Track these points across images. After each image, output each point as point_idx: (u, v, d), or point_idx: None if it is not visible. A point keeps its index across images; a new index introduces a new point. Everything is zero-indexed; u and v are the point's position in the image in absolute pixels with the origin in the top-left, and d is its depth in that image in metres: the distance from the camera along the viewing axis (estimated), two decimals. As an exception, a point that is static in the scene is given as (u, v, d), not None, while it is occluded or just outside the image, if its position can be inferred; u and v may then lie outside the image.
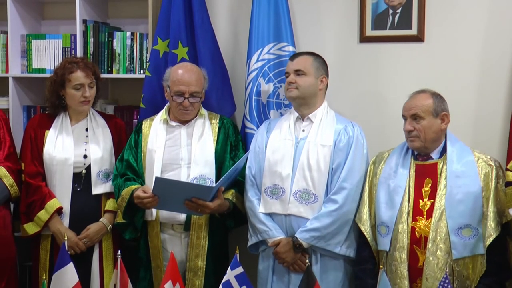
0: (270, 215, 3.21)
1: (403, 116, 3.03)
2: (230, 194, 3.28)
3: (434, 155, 3.00)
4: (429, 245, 2.85)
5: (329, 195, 3.13)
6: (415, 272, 2.88)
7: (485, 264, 2.84)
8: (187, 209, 3.17)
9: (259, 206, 3.22)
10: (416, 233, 2.90)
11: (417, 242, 2.89)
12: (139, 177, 3.34)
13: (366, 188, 3.12)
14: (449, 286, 2.42)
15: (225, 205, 3.24)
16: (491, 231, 2.83)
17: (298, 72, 3.21)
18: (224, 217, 3.33)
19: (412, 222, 2.92)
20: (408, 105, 3.01)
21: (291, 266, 3.16)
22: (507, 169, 2.95)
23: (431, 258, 2.84)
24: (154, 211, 3.28)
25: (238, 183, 3.32)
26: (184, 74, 3.30)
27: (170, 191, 3.11)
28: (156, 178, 3.09)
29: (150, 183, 3.28)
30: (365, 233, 3.06)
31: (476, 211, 2.87)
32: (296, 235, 3.12)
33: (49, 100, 3.45)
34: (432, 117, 2.96)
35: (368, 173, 3.15)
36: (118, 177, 3.34)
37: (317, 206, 3.13)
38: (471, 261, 2.86)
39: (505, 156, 3.35)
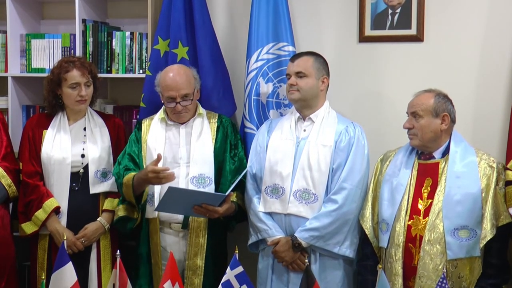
0: (270, 214, 3.21)
1: (407, 113, 3.04)
2: (235, 196, 3.29)
3: (437, 154, 3.01)
4: (424, 244, 2.86)
5: (329, 195, 3.13)
6: (410, 270, 2.89)
7: (482, 266, 2.84)
8: (193, 212, 3.18)
9: (259, 205, 3.22)
10: (412, 231, 2.91)
11: (413, 240, 2.90)
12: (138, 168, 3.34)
13: (372, 186, 3.13)
14: (446, 286, 2.42)
15: (232, 208, 3.25)
16: (486, 233, 2.83)
17: (299, 74, 3.20)
18: (228, 218, 3.34)
19: (409, 220, 2.92)
20: (410, 103, 3.02)
21: (290, 265, 3.16)
22: (507, 168, 2.95)
23: (425, 258, 2.85)
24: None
25: (240, 184, 3.31)
26: (173, 78, 3.28)
27: (180, 198, 3.12)
28: (169, 187, 3.07)
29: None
30: (366, 230, 3.07)
31: (475, 212, 2.87)
32: (296, 234, 3.12)
33: (47, 100, 3.45)
34: (431, 117, 2.96)
35: (374, 171, 3.16)
36: (117, 167, 3.33)
37: (317, 206, 3.13)
38: (469, 262, 2.86)
39: (505, 155, 3.33)
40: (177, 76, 3.30)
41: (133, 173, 3.24)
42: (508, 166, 2.96)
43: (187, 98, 3.29)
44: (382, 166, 3.13)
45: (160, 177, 3.11)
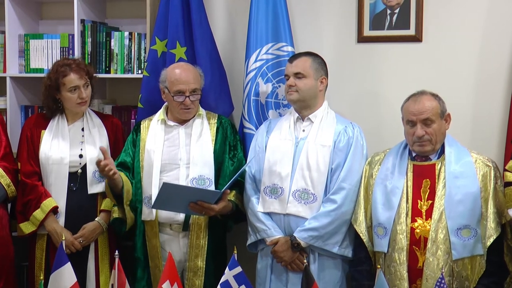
0: (269, 214, 3.21)
1: (410, 121, 2.97)
2: (232, 195, 3.29)
3: (433, 156, 2.99)
4: (429, 245, 2.84)
5: (328, 195, 3.13)
6: (415, 273, 2.87)
7: (484, 265, 2.83)
8: (189, 210, 3.17)
9: (258, 205, 3.22)
10: (416, 234, 2.89)
11: (417, 243, 2.88)
12: (130, 174, 3.34)
13: (362, 189, 3.11)
14: (444, 286, 2.41)
15: (229, 207, 3.24)
16: (492, 232, 2.83)
17: (297, 75, 3.20)
18: (225, 218, 3.33)
19: (411, 223, 2.91)
20: (416, 110, 2.94)
21: (289, 265, 3.16)
22: (505, 170, 2.94)
23: (431, 259, 2.83)
24: (153, 211, 3.27)
25: (239, 184, 3.31)
26: (182, 73, 3.30)
27: (176, 195, 3.12)
28: (164, 183, 3.08)
29: (148, 183, 3.29)
30: (361, 235, 3.05)
31: (475, 211, 2.87)
32: (295, 234, 3.12)
33: (46, 105, 3.45)
34: (440, 119, 2.95)
35: (363, 174, 3.14)
36: None
37: (316, 206, 3.13)
38: (470, 261, 2.86)
39: (503, 156, 3.35)
40: (186, 71, 3.32)
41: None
42: (507, 167, 2.95)
43: (195, 93, 3.30)
44: (372, 170, 3.10)
45: (100, 167, 3.10)
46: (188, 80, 3.28)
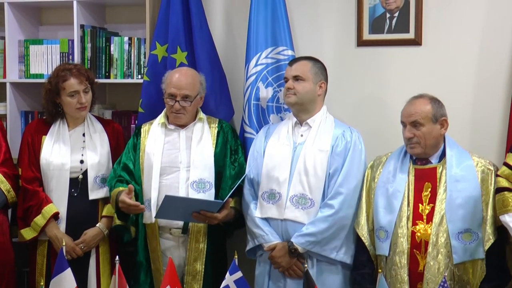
0: (267, 219, 3.20)
1: (402, 122, 3.01)
2: (234, 202, 3.28)
3: (433, 159, 2.99)
4: (430, 249, 2.84)
5: (325, 200, 3.11)
6: (415, 276, 2.87)
7: (485, 269, 2.83)
8: (193, 219, 3.18)
9: (256, 211, 3.22)
10: (416, 237, 2.89)
11: (417, 246, 2.88)
12: (133, 180, 3.34)
13: (364, 192, 3.10)
14: (447, 289, 2.42)
15: (231, 214, 3.25)
16: (490, 236, 2.83)
17: (296, 78, 3.20)
18: (227, 224, 3.33)
19: (412, 226, 2.91)
20: (407, 112, 2.98)
21: (286, 271, 3.14)
22: (497, 175, 2.91)
23: (431, 263, 2.83)
24: (153, 215, 3.27)
25: (240, 189, 3.31)
26: (179, 78, 3.31)
27: (179, 206, 3.13)
28: (166, 196, 3.08)
29: (148, 186, 3.29)
30: (362, 238, 3.04)
31: (476, 215, 2.86)
32: (292, 239, 3.10)
33: (46, 109, 3.45)
34: (432, 123, 2.94)
35: (365, 178, 3.13)
36: (113, 179, 3.33)
37: (314, 211, 3.11)
38: (471, 265, 2.85)
39: (503, 159, 3.33)
40: (183, 76, 3.32)
41: (120, 189, 3.24)
42: (499, 173, 2.91)
43: (187, 99, 3.30)
44: (374, 173, 3.10)
45: (129, 209, 3.16)
46: (182, 85, 3.28)
